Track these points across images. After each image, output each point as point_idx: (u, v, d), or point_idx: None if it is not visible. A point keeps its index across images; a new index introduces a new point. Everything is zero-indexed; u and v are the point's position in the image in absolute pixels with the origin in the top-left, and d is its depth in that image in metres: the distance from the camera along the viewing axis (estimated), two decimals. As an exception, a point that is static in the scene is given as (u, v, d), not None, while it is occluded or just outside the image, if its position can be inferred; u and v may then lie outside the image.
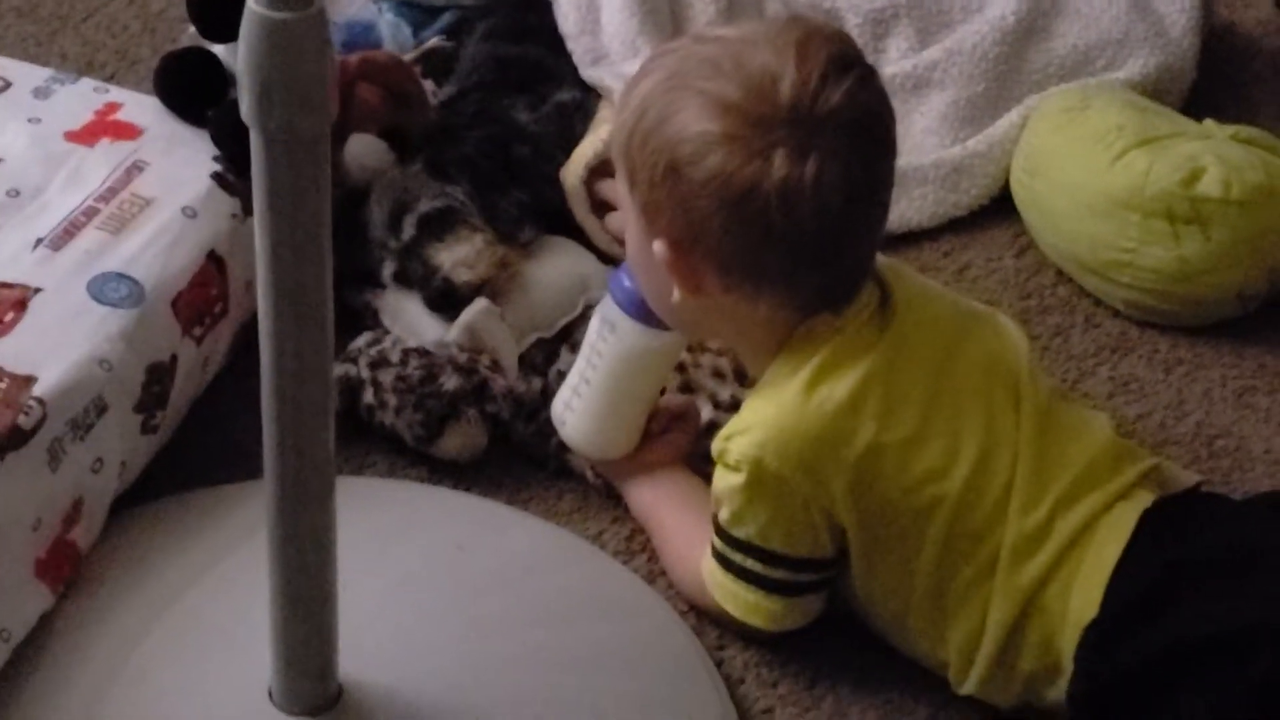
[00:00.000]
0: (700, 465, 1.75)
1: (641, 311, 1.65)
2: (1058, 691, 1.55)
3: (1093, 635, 1.52)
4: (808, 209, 1.51)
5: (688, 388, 1.80)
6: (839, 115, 1.51)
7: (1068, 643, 1.53)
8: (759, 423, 1.56)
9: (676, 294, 1.58)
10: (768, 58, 1.52)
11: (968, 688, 1.59)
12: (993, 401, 1.59)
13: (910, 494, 1.56)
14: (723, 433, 1.60)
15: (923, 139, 2.20)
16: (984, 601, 1.56)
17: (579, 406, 1.72)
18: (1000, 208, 2.15)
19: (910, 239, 2.11)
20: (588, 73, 2.09)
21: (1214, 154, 1.99)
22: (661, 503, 1.73)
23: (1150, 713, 1.51)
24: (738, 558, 1.61)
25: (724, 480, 1.59)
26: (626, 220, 1.62)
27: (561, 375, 1.76)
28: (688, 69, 1.54)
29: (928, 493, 1.55)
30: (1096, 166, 2.01)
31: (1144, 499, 1.57)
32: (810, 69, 1.51)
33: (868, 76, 1.55)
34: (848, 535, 1.58)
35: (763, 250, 1.53)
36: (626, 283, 1.65)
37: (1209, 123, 2.08)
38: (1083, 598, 1.53)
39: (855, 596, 1.64)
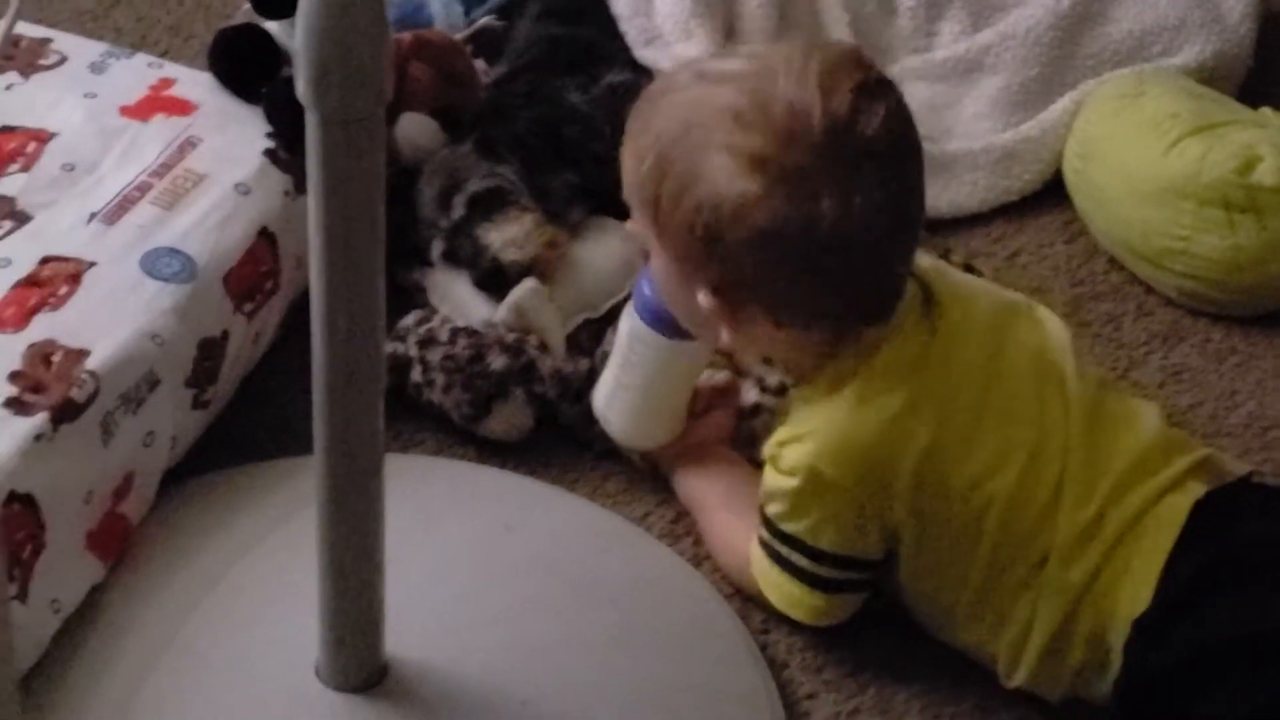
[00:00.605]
0: (744, 449, 1.75)
1: (667, 324, 1.64)
2: (1107, 685, 1.55)
3: (1142, 628, 1.51)
4: (858, 245, 1.49)
5: (735, 370, 1.80)
6: (876, 145, 1.48)
7: (1118, 636, 1.53)
8: (813, 432, 1.55)
9: (724, 334, 1.57)
10: (791, 94, 1.48)
11: (1016, 680, 1.59)
12: (1041, 396, 1.57)
13: (965, 495, 1.55)
14: (776, 438, 1.59)
15: (974, 123, 2.19)
16: (1034, 598, 1.55)
17: (619, 407, 1.73)
18: (1052, 193, 2.14)
19: (961, 224, 2.11)
20: (641, 53, 2.09)
21: (1270, 142, 1.97)
22: (708, 487, 1.73)
23: (1199, 706, 1.50)
24: (784, 550, 1.60)
25: (776, 481, 1.58)
26: (651, 250, 1.60)
27: (607, 356, 1.76)
28: (705, 120, 1.49)
29: (982, 492, 1.55)
30: (1151, 153, 2.00)
31: (1195, 490, 1.56)
32: (839, 102, 1.47)
33: (895, 98, 1.52)
34: (900, 537, 1.58)
35: (814, 291, 1.52)
36: (648, 292, 1.64)
37: (1265, 110, 2.07)
38: (1133, 591, 1.52)
39: (901, 590, 1.63)
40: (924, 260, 1.61)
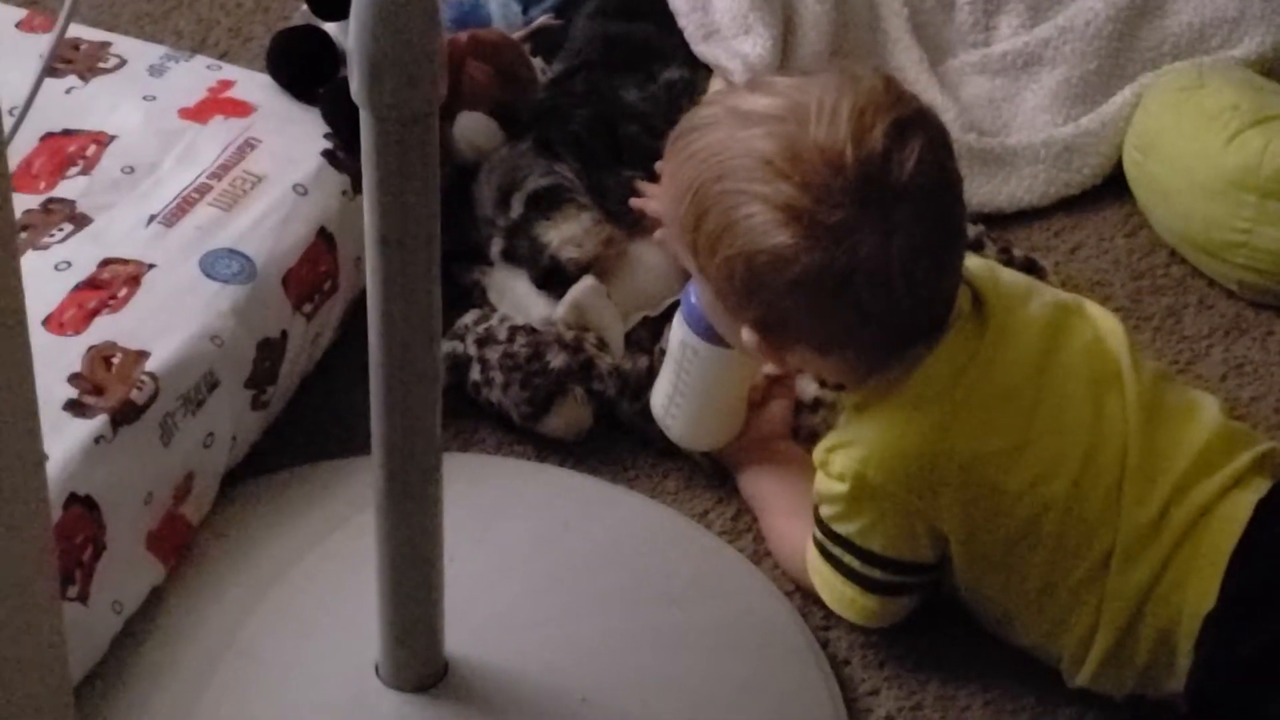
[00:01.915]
0: (806, 443, 1.74)
1: (717, 333, 1.65)
2: (1175, 682, 1.53)
3: (1212, 626, 1.50)
4: (899, 283, 1.48)
5: (795, 366, 1.79)
6: (911, 185, 1.47)
7: (1185, 634, 1.51)
8: (862, 439, 1.55)
9: (770, 364, 1.57)
10: (822, 139, 1.46)
11: (1080, 680, 1.58)
12: (1096, 395, 1.56)
13: (1019, 500, 1.54)
14: (825, 443, 1.59)
15: (1034, 117, 2.18)
16: (1098, 598, 1.54)
17: (677, 413, 1.73)
18: (1112, 187, 2.13)
19: (1021, 218, 2.10)
20: (699, 49, 2.09)
21: (1331, 134, 1.96)
22: (769, 486, 1.73)
23: (1271, 704, 1.48)
24: (837, 551, 1.60)
25: (826, 485, 1.58)
26: (694, 275, 1.60)
27: (664, 354, 1.76)
28: (738, 167, 1.48)
29: (1036, 496, 1.54)
30: (1211, 146, 1.99)
31: (1259, 486, 1.54)
32: (872, 145, 1.46)
33: (930, 132, 1.50)
34: (951, 542, 1.57)
35: (857, 326, 1.51)
36: (695, 300, 1.64)
37: (1327, 102, 2.05)
38: (1199, 589, 1.51)
39: (960, 591, 1.62)
40: (973, 262, 1.60)
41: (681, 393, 1.71)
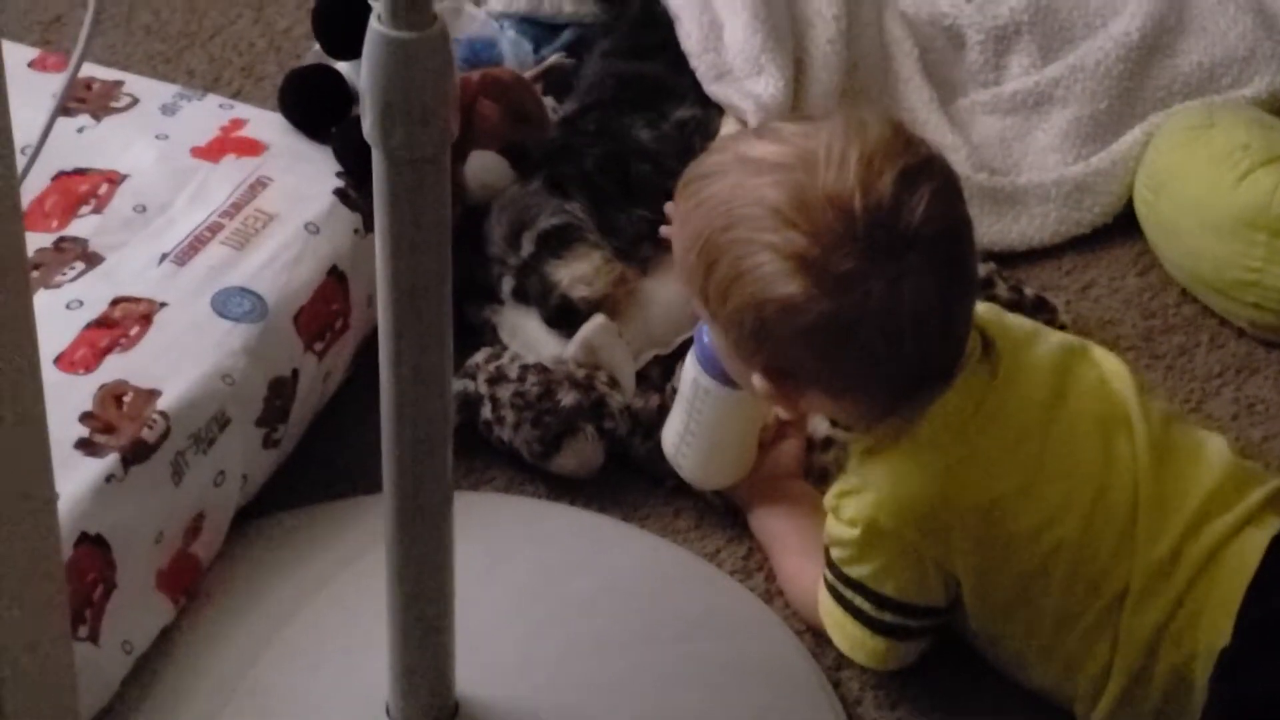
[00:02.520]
0: (817, 482, 1.74)
1: (728, 375, 1.64)
2: (1191, 717, 1.53)
3: (1227, 662, 1.49)
4: (909, 330, 1.48)
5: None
6: (921, 232, 1.46)
7: (1200, 671, 1.51)
8: (873, 484, 1.55)
9: (782, 410, 1.57)
10: (830, 184, 1.46)
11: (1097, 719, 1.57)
12: (1105, 436, 1.56)
13: (1030, 542, 1.54)
14: (836, 489, 1.58)
15: (1045, 156, 2.18)
16: (1111, 638, 1.54)
17: (690, 454, 1.73)
18: (1123, 226, 2.13)
19: (1032, 257, 2.10)
20: (711, 89, 2.09)
21: (1342, 173, 1.96)
22: (781, 526, 1.73)
23: None
24: (847, 594, 1.60)
25: (837, 530, 1.58)
26: (705, 321, 1.59)
27: (677, 392, 1.76)
28: (746, 217, 1.48)
29: (1047, 538, 1.53)
30: (1222, 185, 1.99)
31: (1272, 523, 1.54)
32: (880, 193, 1.45)
33: (939, 178, 1.49)
34: (962, 585, 1.57)
35: (868, 374, 1.52)
36: (706, 341, 1.64)
37: (1337, 141, 2.05)
38: (1214, 625, 1.50)
39: (972, 634, 1.62)
40: (980, 306, 1.60)
41: (693, 432, 1.71)
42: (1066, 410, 1.56)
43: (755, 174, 1.50)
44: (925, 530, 1.54)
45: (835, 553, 1.59)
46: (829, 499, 1.58)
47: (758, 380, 1.55)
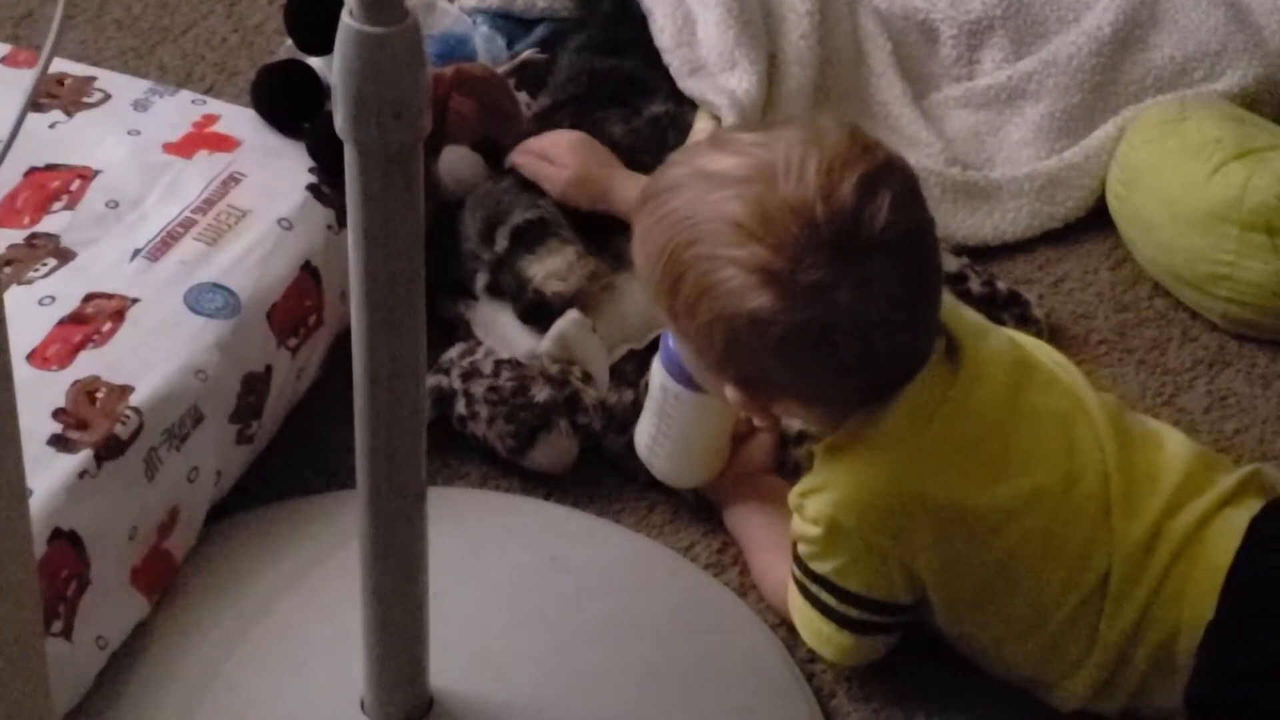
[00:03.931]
0: (790, 476, 1.74)
1: (695, 379, 1.64)
2: (1169, 694, 1.54)
3: (1213, 636, 1.50)
4: (878, 333, 1.48)
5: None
6: (885, 236, 1.46)
7: (1183, 647, 1.52)
8: (834, 483, 1.55)
9: (755, 418, 1.59)
10: (791, 195, 1.45)
11: (1076, 704, 1.58)
12: (1067, 425, 1.57)
13: (994, 537, 1.54)
14: (798, 488, 1.59)
15: (1017, 151, 2.19)
16: (1093, 623, 1.54)
17: (663, 455, 1.74)
18: (1096, 220, 2.13)
19: (1005, 251, 2.10)
20: (685, 84, 2.09)
21: (1314, 166, 1.97)
22: (754, 522, 1.73)
23: (1274, 713, 1.49)
24: (814, 589, 1.60)
25: (801, 528, 1.58)
26: (673, 334, 1.59)
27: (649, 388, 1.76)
28: (709, 232, 1.48)
29: (1012, 531, 1.54)
30: (1194, 179, 2.00)
31: (1251, 504, 1.55)
32: (842, 201, 1.45)
33: (899, 181, 1.49)
34: (926, 582, 1.57)
35: (839, 378, 1.52)
36: (673, 346, 1.64)
37: (1308, 134, 2.06)
38: (1197, 601, 1.51)
39: (942, 629, 1.63)
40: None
41: (665, 434, 1.72)
42: (1026, 402, 1.57)
43: (715, 188, 1.49)
44: (886, 528, 1.54)
45: (801, 549, 1.59)
46: (793, 497, 1.59)
47: (730, 391, 1.55)
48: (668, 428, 1.71)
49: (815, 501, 1.56)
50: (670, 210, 1.51)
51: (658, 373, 1.69)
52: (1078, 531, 1.54)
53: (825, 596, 1.59)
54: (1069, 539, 1.54)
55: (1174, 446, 1.59)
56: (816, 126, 1.51)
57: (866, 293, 1.46)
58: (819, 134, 1.50)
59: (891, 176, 1.49)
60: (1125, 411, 1.63)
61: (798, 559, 1.60)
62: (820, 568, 1.58)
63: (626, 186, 1.86)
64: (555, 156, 1.91)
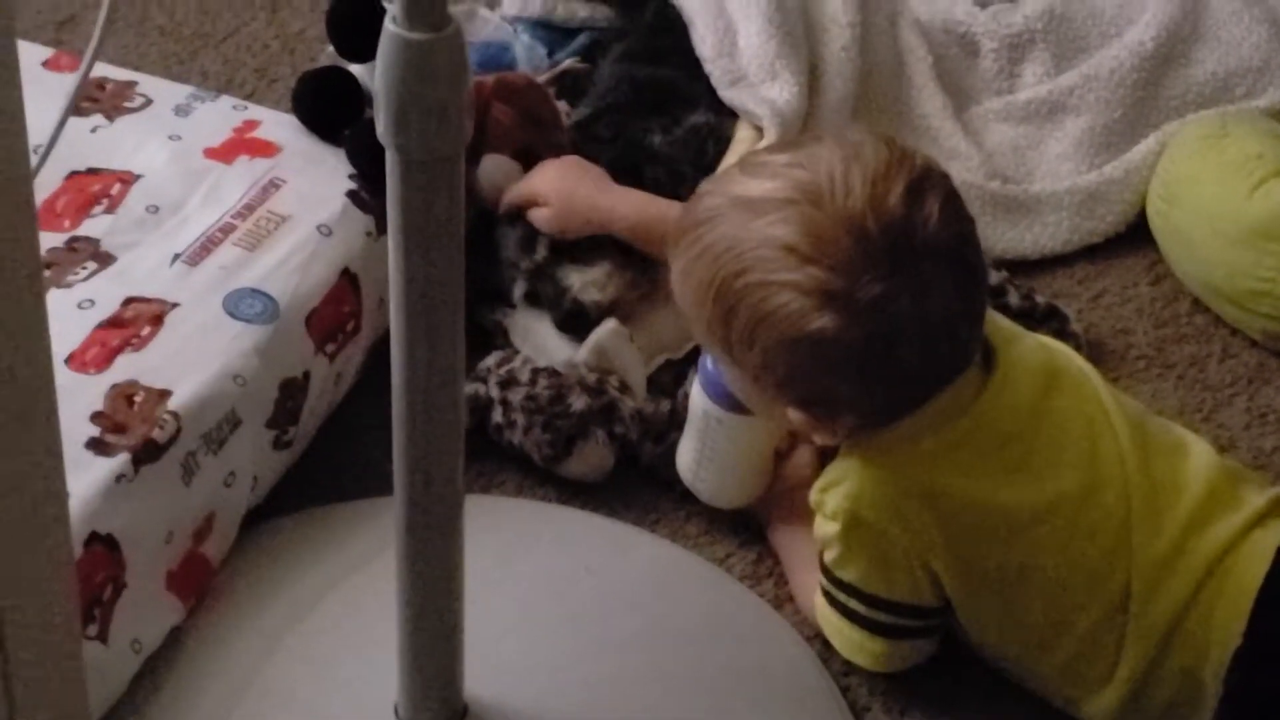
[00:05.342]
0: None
1: (738, 401, 1.64)
2: (1198, 718, 1.53)
3: (1242, 662, 1.50)
4: (938, 334, 1.48)
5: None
6: (937, 241, 1.46)
7: (1211, 670, 1.51)
8: (851, 474, 1.55)
9: (816, 438, 1.58)
10: (840, 212, 1.45)
11: (1101, 720, 1.58)
12: (1092, 434, 1.56)
13: (1013, 538, 1.54)
14: (819, 483, 1.59)
15: (1058, 165, 2.18)
16: (1117, 639, 1.54)
17: (708, 479, 1.74)
18: (1136, 235, 2.13)
19: (1044, 265, 2.10)
20: (726, 94, 2.09)
21: (1355, 183, 1.96)
22: (796, 540, 1.72)
23: None
24: (841, 597, 1.60)
25: (823, 527, 1.58)
26: (725, 365, 1.58)
27: (689, 397, 1.76)
28: (758, 260, 1.47)
29: (1030, 537, 1.53)
30: (1235, 195, 1.99)
31: (1278, 527, 1.54)
32: (893, 208, 1.45)
33: (943, 187, 1.49)
34: (946, 584, 1.57)
35: (903, 387, 1.51)
36: (711, 368, 1.63)
37: (1350, 151, 2.05)
38: (1225, 626, 1.51)
39: (969, 638, 1.62)
40: None
41: (709, 457, 1.72)
42: (1054, 406, 1.57)
43: (757, 214, 1.48)
44: (904, 523, 1.53)
45: (826, 555, 1.59)
46: (814, 495, 1.59)
47: (792, 414, 1.54)
48: (711, 451, 1.71)
49: (834, 496, 1.56)
50: (712, 242, 1.50)
51: (698, 397, 1.69)
52: (1097, 541, 1.53)
53: (853, 603, 1.59)
54: (1087, 548, 1.53)
55: (1199, 457, 1.58)
56: (851, 141, 1.51)
57: (925, 299, 1.46)
58: (857, 148, 1.49)
59: (933, 182, 1.49)
60: (1150, 417, 1.62)
61: (824, 568, 1.60)
62: (846, 574, 1.58)
63: (614, 204, 1.85)
64: (538, 196, 1.88)
